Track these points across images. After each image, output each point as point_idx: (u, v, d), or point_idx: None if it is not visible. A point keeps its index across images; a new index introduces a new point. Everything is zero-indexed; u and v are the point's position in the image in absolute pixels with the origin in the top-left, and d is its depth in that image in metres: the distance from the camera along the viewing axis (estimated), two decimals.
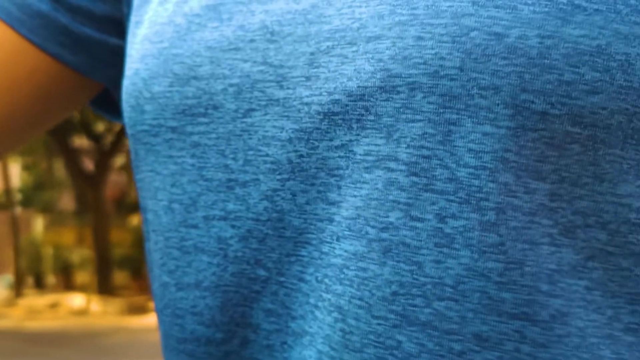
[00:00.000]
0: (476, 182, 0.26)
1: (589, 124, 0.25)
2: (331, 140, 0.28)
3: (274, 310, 0.31)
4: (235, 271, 0.31)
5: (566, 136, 0.25)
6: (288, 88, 0.29)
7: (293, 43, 0.29)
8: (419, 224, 0.27)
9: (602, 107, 0.25)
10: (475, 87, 0.25)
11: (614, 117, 0.25)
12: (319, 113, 0.28)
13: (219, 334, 0.32)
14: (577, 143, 0.26)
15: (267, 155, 0.30)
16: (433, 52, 0.26)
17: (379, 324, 0.27)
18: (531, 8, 0.25)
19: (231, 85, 0.31)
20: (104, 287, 9.44)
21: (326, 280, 0.29)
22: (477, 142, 0.26)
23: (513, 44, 0.25)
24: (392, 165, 0.27)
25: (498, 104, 0.25)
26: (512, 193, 0.26)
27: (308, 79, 0.29)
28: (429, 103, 0.26)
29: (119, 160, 11.77)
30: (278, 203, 0.30)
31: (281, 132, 0.29)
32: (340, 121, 0.28)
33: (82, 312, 9.11)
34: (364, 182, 0.27)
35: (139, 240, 10.44)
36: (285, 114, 0.29)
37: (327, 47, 0.28)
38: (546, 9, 0.25)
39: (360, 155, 0.27)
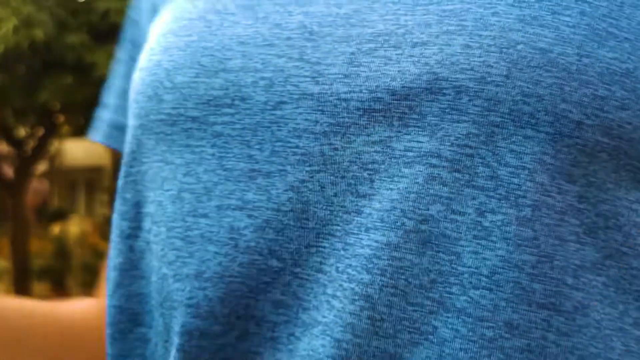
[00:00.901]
0: (515, 180, 0.28)
1: (616, 136, 0.29)
2: (369, 135, 0.30)
3: (283, 302, 0.31)
4: (244, 262, 0.32)
5: (596, 145, 0.29)
6: (324, 84, 0.31)
7: (332, 43, 0.31)
8: (459, 217, 0.29)
9: (628, 122, 0.29)
10: (519, 94, 0.28)
11: (636, 132, 0.29)
12: (358, 109, 0.30)
13: (217, 326, 0.32)
14: (604, 152, 0.29)
15: (297, 147, 0.31)
16: (481, 59, 0.29)
17: (414, 311, 0.29)
18: (572, 29, 0.29)
19: (262, 78, 0.32)
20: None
21: (349, 270, 0.30)
22: (518, 143, 0.28)
23: (555, 58, 0.28)
24: (434, 161, 0.29)
25: (540, 111, 0.28)
26: (547, 192, 0.29)
27: (347, 76, 0.30)
28: (475, 106, 0.29)
29: (40, 167, 11.34)
30: (304, 194, 0.31)
31: (315, 125, 0.31)
32: (380, 118, 0.30)
33: None
34: (402, 177, 0.29)
35: (60, 250, 10.05)
36: (320, 108, 0.31)
37: (369, 48, 0.30)
38: (584, 32, 0.29)
39: (399, 150, 0.29)
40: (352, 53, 0.31)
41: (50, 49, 6.83)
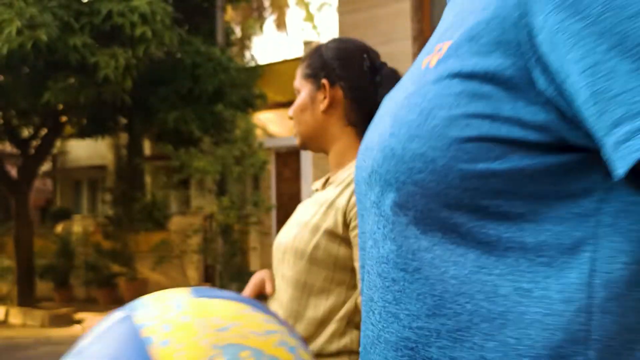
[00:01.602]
0: (385, 214, 0.64)
1: (420, 186, 0.59)
2: (372, 189, 0.66)
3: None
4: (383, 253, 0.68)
5: (411, 192, 0.60)
6: (370, 161, 0.67)
7: (370, 148, 0.68)
8: (382, 229, 0.65)
9: (426, 179, 0.59)
10: (384, 172, 0.63)
11: (431, 184, 0.59)
12: (369, 176, 0.67)
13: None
14: (418, 194, 0.60)
15: (369, 196, 0.68)
16: (376, 158, 0.64)
17: (404, 260, 0.63)
18: (398, 138, 0.61)
19: (366, 167, 0.69)
20: (25, 298, 9.07)
21: (375, 261, 0.67)
22: (385, 195, 0.64)
23: (395, 153, 0.61)
24: (378, 205, 0.65)
25: (389, 178, 0.62)
26: (397, 215, 0.63)
27: (368, 164, 0.67)
28: (376, 180, 0.64)
29: (44, 167, 11.35)
30: (373, 219, 0.67)
31: (368, 184, 0.68)
32: (371, 182, 0.66)
33: (1, 324, 8.74)
34: (376, 215, 0.66)
35: (63, 249, 10.08)
36: (367, 176, 0.67)
37: (373, 150, 0.66)
38: (399, 137, 0.61)
39: (373, 200, 0.66)
40: (372, 150, 0.67)
41: (53, 50, 6.87)
